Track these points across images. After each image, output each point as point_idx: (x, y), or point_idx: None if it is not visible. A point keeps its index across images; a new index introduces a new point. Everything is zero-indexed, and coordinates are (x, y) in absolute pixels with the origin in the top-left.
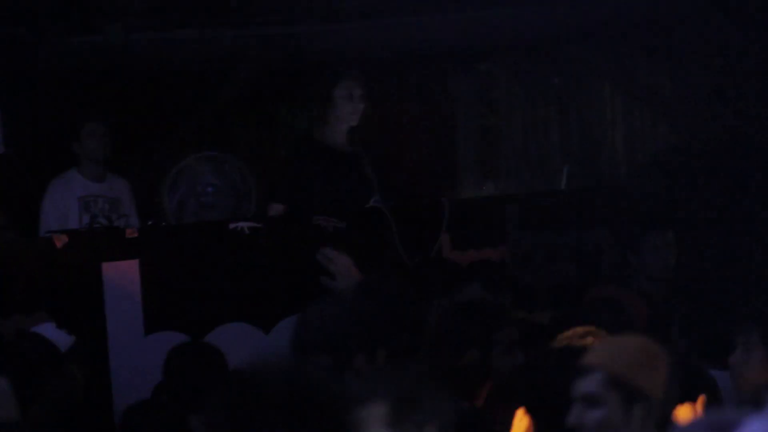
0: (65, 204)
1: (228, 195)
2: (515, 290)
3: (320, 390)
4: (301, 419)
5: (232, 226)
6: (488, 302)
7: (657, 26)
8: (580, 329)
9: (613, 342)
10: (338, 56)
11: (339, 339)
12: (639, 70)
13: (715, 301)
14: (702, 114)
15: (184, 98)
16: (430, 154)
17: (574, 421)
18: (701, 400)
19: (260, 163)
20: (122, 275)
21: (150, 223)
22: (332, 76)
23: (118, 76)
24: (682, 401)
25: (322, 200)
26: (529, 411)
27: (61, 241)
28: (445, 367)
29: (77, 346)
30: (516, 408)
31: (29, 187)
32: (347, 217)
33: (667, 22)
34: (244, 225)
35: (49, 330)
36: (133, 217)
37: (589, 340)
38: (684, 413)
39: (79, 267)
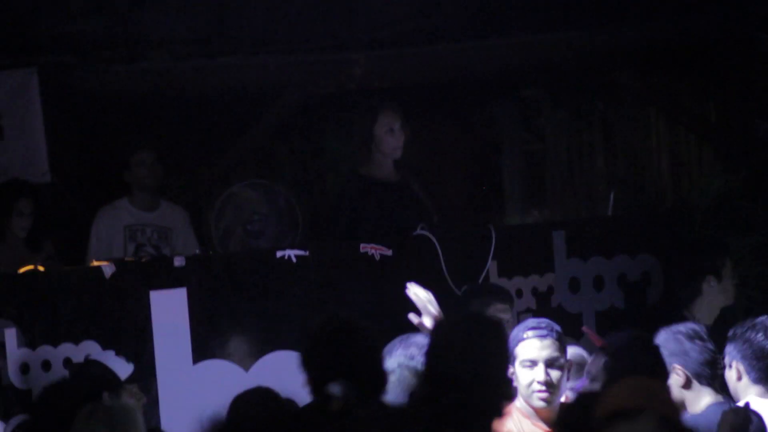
0: (110, 233)
1: (275, 223)
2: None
3: None
4: None
5: (279, 254)
6: None
7: (700, 50)
8: None
9: (642, 382)
10: (382, 83)
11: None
12: (683, 94)
13: None
14: (747, 137)
15: (230, 125)
16: (475, 180)
17: None
18: None
19: (307, 191)
20: (170, 303)
21: (197, 251)
22: (370, 113)
23: (164, 103)
24: None
25: (375, 236)
26: None
27: (109, 270)
28: None
29: (134, 375)
30: None
31: (76, 216)
32: (394, 244)
33: (710, 45)
34: (291, 253)
35: (109, 358)
36: (191, 245)
37: None
38: None
39: (128, 295)
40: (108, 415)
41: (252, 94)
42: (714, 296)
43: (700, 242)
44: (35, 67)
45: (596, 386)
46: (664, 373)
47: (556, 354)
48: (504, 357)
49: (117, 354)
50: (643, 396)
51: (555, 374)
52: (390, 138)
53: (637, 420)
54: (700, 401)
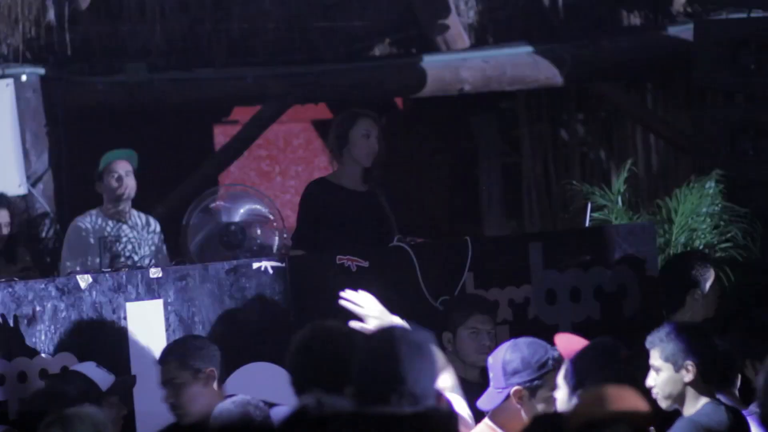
0: (85, 243)
1: (251, 233)
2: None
3: None
4: None
5: (256, 265)
6: None
7: (679, 63)
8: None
9: (612, 392)
10: (360, 95)
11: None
12: (660, 106)
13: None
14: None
15: (206, 136)
16: (453, 192)
17: None
18: None
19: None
20: (146, 315)
21: (174, 262)
22: (349, 116)
23: (141, 115)
24: None
25: (341, 242)
26: None
27: (84, 281)
28: None
29: (115, 386)
30: None
31: (53, 227)
32: (370, 255)
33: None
34: (268, 264)
35: (90, 368)
36: (162, 256)
37: None
38: None
39: (104, 307)
40: (62, 425)
41: (228, 105)
42: (697, 309)
43: (686, 254)
44: (11, 79)
45: (557, 395)
46: (625, 382)
47: None
48: (432, 371)
49: (98, 365)
50: (613, 406)
51: None
52: (364, 143)
53: (608, 431)
54: (698, 401)
